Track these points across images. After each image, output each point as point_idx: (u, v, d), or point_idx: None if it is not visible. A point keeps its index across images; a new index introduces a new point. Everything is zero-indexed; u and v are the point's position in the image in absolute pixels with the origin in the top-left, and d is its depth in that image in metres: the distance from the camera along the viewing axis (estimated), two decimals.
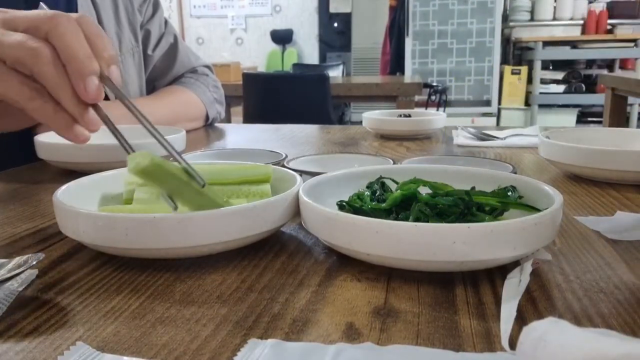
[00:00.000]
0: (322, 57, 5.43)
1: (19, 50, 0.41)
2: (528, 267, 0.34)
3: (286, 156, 0.61)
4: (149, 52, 1.05)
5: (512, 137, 0.91)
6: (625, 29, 4.33)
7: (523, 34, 4.42)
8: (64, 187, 0.43)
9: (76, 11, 0.85)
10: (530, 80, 4.41)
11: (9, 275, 0.33)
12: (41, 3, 0.49)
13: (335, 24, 5.35)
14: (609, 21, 4.34)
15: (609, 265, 0.37)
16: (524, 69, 4.41)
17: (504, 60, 4.54)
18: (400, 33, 4.51)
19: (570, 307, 0.32)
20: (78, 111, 0.43)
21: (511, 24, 4.45)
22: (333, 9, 5.31)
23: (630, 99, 2.43)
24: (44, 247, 0.43)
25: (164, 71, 1.08)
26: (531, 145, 0.84)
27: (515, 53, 4.60)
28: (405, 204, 0.42)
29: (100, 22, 0.90)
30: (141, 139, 0.70)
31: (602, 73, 4.15)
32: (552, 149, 0.63)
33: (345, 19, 5.27)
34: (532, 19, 4.45)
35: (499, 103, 4.47)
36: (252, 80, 2.59)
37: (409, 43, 4.44)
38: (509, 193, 0.42)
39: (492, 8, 4.29)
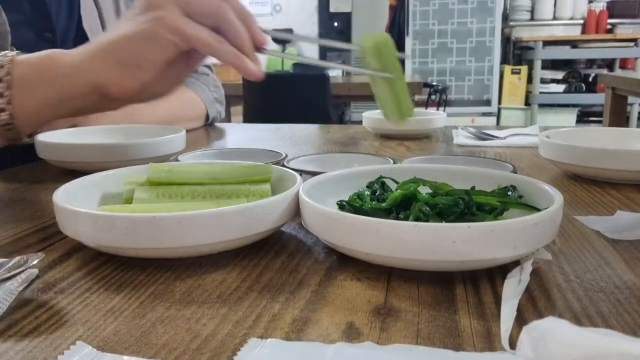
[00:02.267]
0: (322, 57, 5.41)
1: (210, 5, 0.48)
2: (528, 267, 0.34)
3: (286, 156, 0.61)
4: None
5: (512, 137, 0.90)
6: (625, 28, 4.33)
7: (523, 33, 4.42)
8: (63, 186, 0.43)
9: (79, 8, 0.85)
10: (530, 79, 4.41)
11: (9, 274, 0.33)
12: None
13: (336, 24, 5.34)
14: (609, 21, 4.33)
15: (609, 265, 0.37)
16: (524, 69, 4.41)
17: (504, 60, 4.54)
18: (400, 32, 4.51)
19: (570, 306, 0.32)
20: (253, 53, 0.50)
21: (511, 23, 4.45)
22: (333, 8, 5.31)
23: (630, 99, 2.43)
24: (44, 246, 0.43)
25: None
26: (531, 145, 0.84)
27: (515, 52, 4.60)
28: (405, 204, 0.42)
29: (101, 19, 0.90)
30: (141, 139, 0.70)
31: (602, 73, 4.15)
32: (552, 148, 0.63)
33: (346, 19, 5.27)
34: (532, 19, 4.45)
35: (499, 102, 4.46)
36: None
37: (409, 42, 4.44)
38: (509, 193, 0.42)
39: (492, 7, 4.29)
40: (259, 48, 0.51)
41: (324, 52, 5.40)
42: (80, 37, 0.84)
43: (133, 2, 0.98)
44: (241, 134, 1.07)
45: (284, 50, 5.62)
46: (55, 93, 0.51)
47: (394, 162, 0.55)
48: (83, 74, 0.50)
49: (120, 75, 0.49)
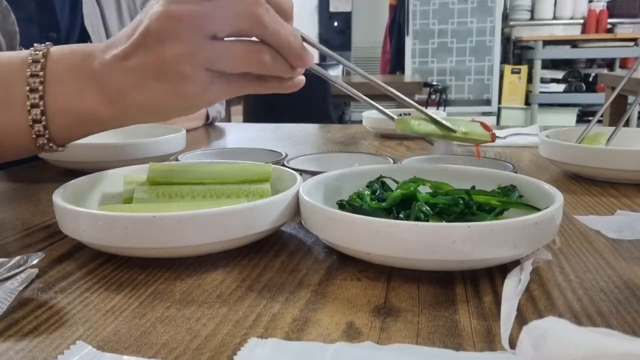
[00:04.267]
0: (322, 56, 5.41)
1: (248, 64, 0.42)
2: (528, 266, 0.34)
3: (286, 155, 0.61)
4: None
5: (512, 136, 0.90)
6: (626, 28, 4.33)
7: (523, 33, 4.42)
8: (63, 186, 0.43)
9: (81, 9, 0.85)
10: (530, 79, 4.41)
11: (9, 274, 0.33)
12: None
13: (335, 23, 5.34)
14: (609, 20, 4.33)
15: (609, 265, 0.37)
16: (524, 68, 4.41)
17: (504, 60, 4.54)
18: (400, 32, 4.51)
19: (570, 306, 0.32)
20: (294, 74, 0.44)
21: (511, 23, 4.45)
22: (333, 7, 5.31)
23: (631, 99, 2.43)
24: (44, 246, 0.43)
25: None
26: (531, 145, 0.84)
27: (516, 52, 4.60)
28: (405, 203, 0.42)
29: (104, 20, 0.90)
30: (141, 139, 0.70)
31: (602, 72, 4.14)
32: (552, 148, 0.63)
33: (345, 18, 5.27)
34: (532, 18, 4.45)
35: (499, 102, 4.46)
36: None
37: (409, 42, 4.44)
38: (509, 192, 0.42)
39: (492, 7, 4.29)
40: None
41: (322, 57, 5.39)
42: (83, 37, 0.84)
43: (135, 3, 0.98)
44: (241, 134, 1.07)
45: None
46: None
47: (394, 162, 0.55)
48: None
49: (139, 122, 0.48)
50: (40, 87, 0.44)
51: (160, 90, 0.42)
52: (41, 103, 0.44)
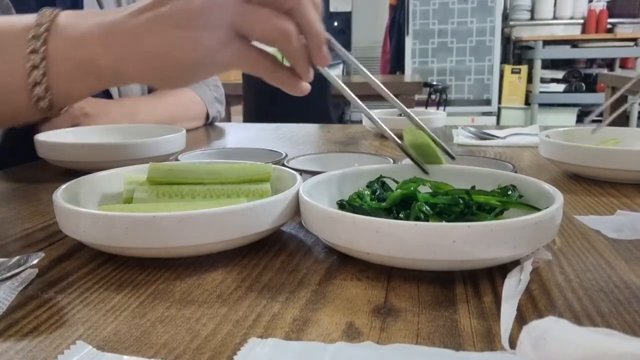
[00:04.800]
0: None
1: (271, 32, 0.42)
2: (528, 266, 0.34)
3: (286, 155, 0.61)
4: None
5: (512, 136, 0.90)
6: (626, 28, 4.33)
7: (523, 33, 4.42)
8: (64, 186, 0.43)
9: (82, 8, 0.85)
10: (530, 79, 4.41)
11: (9, 274, 0.33)
12: None
13: (335, 23, 5.34)
14: (609, 20, 4.33)
15: (609, 265, 0.37)
16: (524, 68, 4.41)
17: (504, 59, 4.54)
18: (400, 32, 4.51)
19: (571, 306, 0.32)
20: (307, 73, 0.46)
21: (511, 23, 4.45)
22: (333, 7, 5.30)
23: (630, 98, 2.43)
24: (44, 246, 0.43)
25: None
26: (531, 145, 0.84)
27: (516, 52, 4.60)
28: (405, 203, 0.42)
29: None
30: (141, 139, 0.70)
31: (602, 72, 4.14)
32: (552, 148, 0.63)
33: (345, 18, 5.26)
34: (532, 18, 4.45)
35: (499, 102, 4.46)
36: (252, 79, 2.58)
37: (409, 42, 4.44)
38: (509, 192, 0.42)
39: (492, 7, 4.29)
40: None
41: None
42: None
43: (136, 1, 0.98)
44: (241, 134, 1.07)
45: None
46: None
47: (394, 162, 0.55)
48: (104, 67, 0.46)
49: (144, 77, 0.48)
50: (45, 35, 0.44)
51: (177, 37, 0.42)
52: (42, 49, 0.44)
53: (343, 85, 0.48)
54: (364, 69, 0.48)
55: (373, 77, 0.48)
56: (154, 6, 0.43)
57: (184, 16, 0.41)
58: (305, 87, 0.47)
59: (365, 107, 0.49)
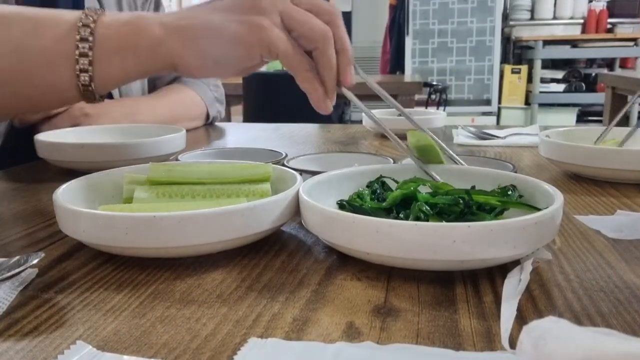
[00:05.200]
0: None
1: (314, 31, 0.46)
2: (528, 266, 0.34)
3: (286, 155, 0.61)
4: None
5: (512, 136, 0.90)
6: (626, 28, 4.33)
7: (523, 32, 4.42)
8: (64, 186, 0.43)
9: (83, 8, 0.85)
10: (530, 79, 4.40)
11: (9, 274, 0.33)
12: None
13: None
14: (609, 20, 4.33)
15: (609, 265, 0.37)
16: (524, 68, 4.41)
17: (504, 59, 4.54)
18: (400, 32, 4.50)
19: (571, 306, 0.32)
20: (332, 89, 0.49)
21: (511, 22, 4.45)
22: None
23: (630, 98, 2.43)
24: (44, 246, 0.43)
25: None
26: (531, 144, 0.84)
27: (516, 52, 4.59)
28: (405, 203, 0.42)
29: None
30: (141, 139, 0.70)
31: (602, 72, 4.14)
32: (552, 148, 0.63)
33: (345, 18, 5.23)
34: (532, 18, 4.45)
35: (499, 102, 4.46)
36: (252, 79, 2.58)
37: (409, 42, 4.43)
38: (509, 192, 0.42)
39: (492, 7, 4.29)
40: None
41: None
42: None
43: (136, 3, 0.98)
44: (241, 134, 1.07)
45: None
46: (135, 63, 0.50)
47: (394, 162, 0.55)
48: (164, 53, 0.49)
49: (199, 64, 0.49)
50: (93, 24, 0.49)
51: (231, 18, 0.47)
52: (90, 27, 0.49)
53: (362, 106, 0.51)
54: (387, 95, 0.52)
55: (394, 102, 0.52)
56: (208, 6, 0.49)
57: (242, 4, 0.47)
58: (329, 106, 0.49)
59: (388, 130, 0.50)
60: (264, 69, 2.78)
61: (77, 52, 0.48)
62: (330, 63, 0.47)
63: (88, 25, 0.48)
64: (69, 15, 0.50)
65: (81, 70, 0.48)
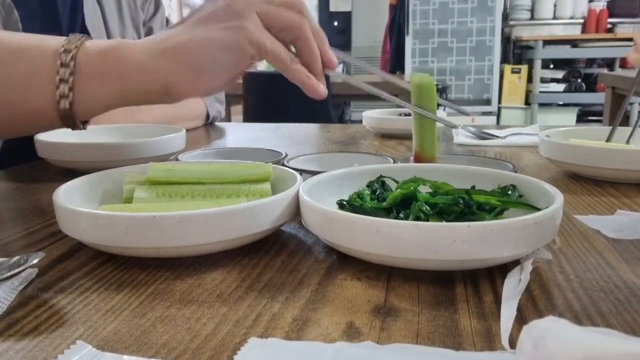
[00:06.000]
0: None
1: (292, 22, 0.49)
2: (528, 266, 0.34)
3: (286, 155, 0.61)
4: None
5: (512, 136, 0.90)
6: (626, 27, 4.32)
7: (523, 32, 4.41)
8: (64, 185, 0.43)
9: (82, 8, 0.85)
10: (530, 79, 4.40)
11: (9, 273, 0.33)
12: None
13: (336, 23, 5.33)
14: (609, 20, 4.33)
15: (609, 264, 0.37)
16: (524, 68, 4.41)
17: (504, 59, 4.54)
18: (400, 32, 4.50)
19: (571, 306, 0.32)
20: (322, 75, 0.51)
21: (511, 22, 4.44)
22: (333, 7, 5.30)
23: (632, 98, 2.44)
24: (44, 245, 0.43)
25: None
26: (531, 144, 0.84)
27: (516, 52, 4.59)
28: (405, 203, 0.42)
29: (104, 19, 0.90)
30: (141, 139, 0.70)
31: (602, 72, 4.14)
32: (552, 147, 0.63)
33: (345, 18, 5.26)
34: (532, 18, 4.45)
35: (499, 102, 4.46)
36: (252, 79, 2.58)
37: (409, 42, 4.43)
38: (509, 192, 0.42)
39: (492, 7, 4.28)
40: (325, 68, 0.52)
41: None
42: None
43: (135, 3, 0.98)
44: (241, 134, 1.07)
45: None
46: (121, 87, 0.49)
47: (394, 162, 0.55)
48: (152, 73, 0.48)
49: (192, 78, 0.48)
50: (74, 50, 0.48)
51: (215, 27, 0.48)
52: (73, 54, 0.48)
53: (356, 82, 0.54)
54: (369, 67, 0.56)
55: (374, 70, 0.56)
56: (190, 21, 0.49)
57: (220, 13, 0.48)
58: (323, 89, 0.50)
59: (382, 92, 0.53)
60: (263, 68, 2.78)
61: (57, 77, 0.47)
62: (313, 47, 0.50)
63: (70, 50, 0.48)
64: (53, 41, 0.49)
65: (61, 96, 0.47)
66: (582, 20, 4.37)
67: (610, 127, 0.70)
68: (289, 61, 0.49)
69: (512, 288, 0.32)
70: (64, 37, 0.49)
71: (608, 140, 0.69)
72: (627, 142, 0.68)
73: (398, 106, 0.55)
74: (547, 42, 4.32)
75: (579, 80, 4.42)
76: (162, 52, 0.48)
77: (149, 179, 0.46)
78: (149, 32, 1.04)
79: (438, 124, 0.52)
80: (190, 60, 0.48)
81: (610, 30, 4.35)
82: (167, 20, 1.10)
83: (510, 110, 4.44)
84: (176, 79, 0.48)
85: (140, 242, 0.36)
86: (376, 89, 0.53)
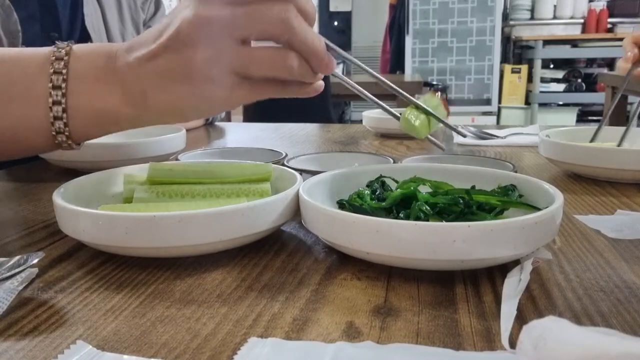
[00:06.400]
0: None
1: (274, 70, 0.42)
2: (528, 266, 0.34)
3: (286, 155, 0.61)
4: None
5: (512, 136, 0.90)
6: (626, 27, 4.32)
7: (523, 32, 4.41)
8: (63, 186, 0.43)
9: (82, 8, 0.85)
10: (530, 79, 4.40)
11: (9, 273, 0.33)
12: None
13: (336, 23, 5.33)
14: (609, 20, 4.33)
15: (609, 264, 0.37)
16: (524, 68, 4.41)
17: (504, 59, 4.54)
18: (400, 31, 4.50)
19: (571, 305, 0.32)
20: (315, 80, 0.45)
21: (511, 22, 4.44)
22: (333, 7, 5.30)
23: (631, 98, 2.43)
24: (44, 245, 0.43)
25: None
26: (531, 144, 0.84)
27: (516, 52, 4.59)
28: (405, 203, 0.42)
29: (104, 19, 0.90)
30: (141, 138, 0.70)
31: (602, 72, 4.14)
32: (552, 147, 0.63)
33: (346, 18, 5.26)
34: (532, 18, 4.44)
35: (499, 102, 4.46)
36: None
37: (409, 41, 4.43)
38: (509, 192, 0.42)
39: (492, 6, 4.28)
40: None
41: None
42: (83, 37, 0.84)
43: (135, 3, 0.98)
44: (241, 134, 1.07)
45: None
46: (121, 101, 0.45)
47: (394, 161, 0.55)
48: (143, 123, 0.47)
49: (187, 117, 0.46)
50: (63, 85, 0.44)
51: (184, 93, 0.42)
52: (63, 100, 0.44)
53: (353, 84, 0.49)
54: (362, 65, 0.51)
55: (372, 72, 0.50)
56: (160, 52, 0.41)
57: (188, 71, 0.41)
58: (319, 85, 0.46)
59: (372, 97, 0.50)
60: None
61: (50, 85, 0.44)
62: (303, 75, 0.43)
63: (62, 58, 0.45)
64: (40, 51, 0.47)
65: (54, 103, 0.44)
66: (582, 20, 4.36)
67: (611, 127, 0.70)
68: (279, 92, 0.44)
69: (512, 288, 0.32)
70: (50, 47, 0.46)
71: (592, 140, 0.69)
72: (619, 144, 0.67)
73: (399, 105, 0.54)
74: (547, 42, 4.32)
75: (579, 80, 4.42)
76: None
77: (149, 179, 0.46)
78: None
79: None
80: (161, 115, 0.45)
81: (610, 30, 4.35)
82: None
83: (510, 110, 4.44)
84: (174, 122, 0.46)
85: (141, 242, 0.36)
86: (363, 89, 0.50)
